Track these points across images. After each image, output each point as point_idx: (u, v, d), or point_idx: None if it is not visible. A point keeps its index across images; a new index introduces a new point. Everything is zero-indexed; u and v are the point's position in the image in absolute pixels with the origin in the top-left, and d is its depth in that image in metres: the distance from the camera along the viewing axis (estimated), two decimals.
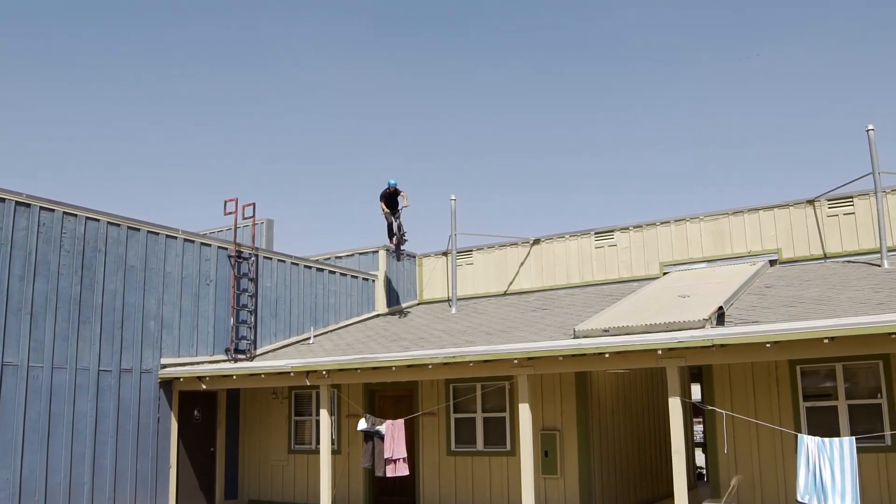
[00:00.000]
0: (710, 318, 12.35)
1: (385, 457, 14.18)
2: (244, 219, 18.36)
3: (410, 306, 22.21)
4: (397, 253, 20.82)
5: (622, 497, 15.87)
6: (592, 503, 14.52)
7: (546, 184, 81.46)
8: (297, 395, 18.09)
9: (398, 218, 19.74)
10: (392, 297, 21.98)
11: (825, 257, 16.98)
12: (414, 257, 22.70)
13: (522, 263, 20.72)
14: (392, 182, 19.34)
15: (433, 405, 16.07)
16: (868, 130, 16.00)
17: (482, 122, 78.69)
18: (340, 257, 22.21)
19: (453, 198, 20.29)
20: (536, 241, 20.63)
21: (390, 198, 19.56)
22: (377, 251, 21.89)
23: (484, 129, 79.17)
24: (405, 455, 14.29)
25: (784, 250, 17.43)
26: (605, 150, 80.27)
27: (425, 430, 16.23)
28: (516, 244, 20.96)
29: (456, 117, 78.81)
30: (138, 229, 16.15)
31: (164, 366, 16.23)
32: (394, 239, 19.98)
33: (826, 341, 10.50)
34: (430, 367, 13.53)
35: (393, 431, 14.28)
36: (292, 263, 19.50)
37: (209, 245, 17.56)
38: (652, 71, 75.66)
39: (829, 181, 54.82)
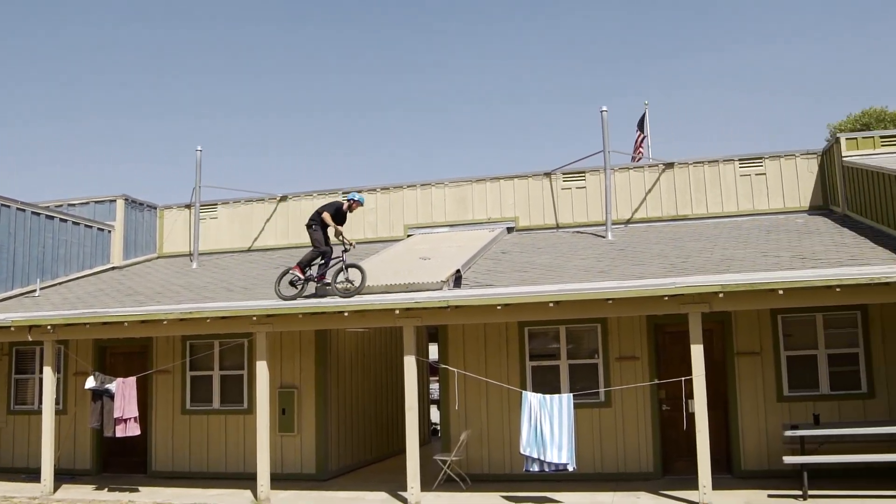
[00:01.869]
0: (447, 280, 12.81)
1: (115, 416, 13.65)
2: None
3: (150, 259, 21.28)
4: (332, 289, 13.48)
5: (358, 453, 16.17)
6: (328, 460, 14.70)
7: (295, 143, 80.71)
8: (19, 352, 16.89)
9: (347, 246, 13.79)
10: (129, 249, 20.91)
11: (557, 227, 18.03)
12: (155, 208, 21.70)
13: (268, 220, 20.38)
14: (360, 198, 14.36)
15: (168, 362, 15.56)
16: (602, 111, 17.06)
17: (227, 80, 76.56)
18: (74, 205, 20.77)
19: (199, 149, 19.58)
20: (283, 198, 20.37)
21: (340, 216, 14.24)
22: (115, 200, 20.66)
23: (230, 86, 77.05)
24: (136, 414, 13.84)
25: (521, 218, 18.32)
26: (355, 111, 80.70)
27: (159, 388, 15.70)
28: (263, 200, 20.55)
29: (196, 72, 76.19)
30: None
31: None
32: (328, 269, 13.78)
33: (551, 305, 11.26)
34: (165, 322, 13.09)
35: (124, 390, 13.73)
36: (18, 209, 18.01)
37: None
38: (399, 34, 76.76)
39: (566, 156, 58.32)
